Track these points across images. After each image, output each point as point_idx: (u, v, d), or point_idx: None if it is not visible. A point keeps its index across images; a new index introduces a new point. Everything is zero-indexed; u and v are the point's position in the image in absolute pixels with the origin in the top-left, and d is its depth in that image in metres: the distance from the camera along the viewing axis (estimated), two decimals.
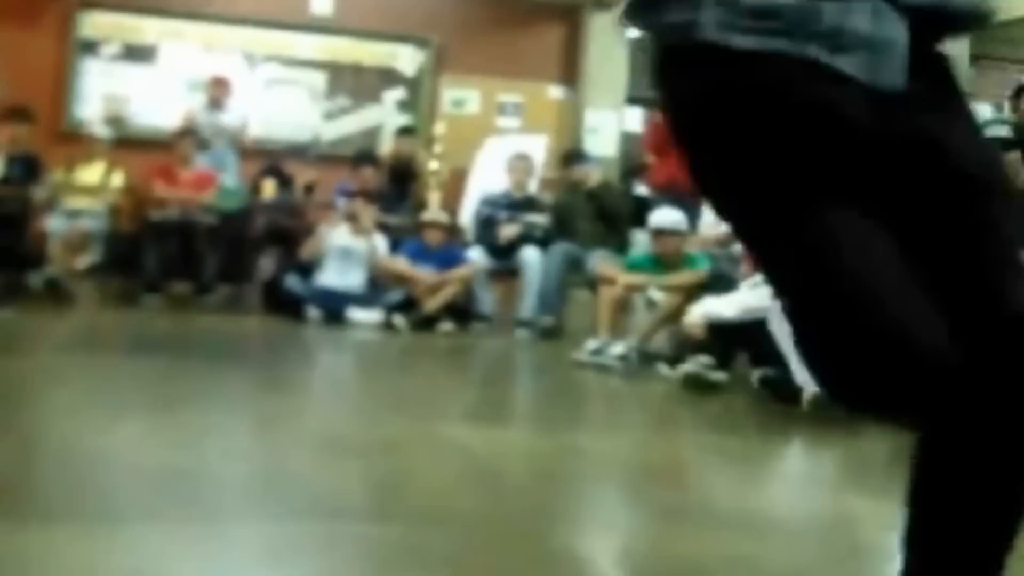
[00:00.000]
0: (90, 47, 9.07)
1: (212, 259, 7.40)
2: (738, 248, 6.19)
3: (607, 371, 5.54)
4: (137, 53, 9.14)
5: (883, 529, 2.92)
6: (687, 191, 6.76)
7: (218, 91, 8.28)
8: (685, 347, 5.34)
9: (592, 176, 7.55)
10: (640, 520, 2.83)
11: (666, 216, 6.09)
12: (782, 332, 4.65)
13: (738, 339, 5.00)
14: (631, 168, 9.48)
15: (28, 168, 7.34)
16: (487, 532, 2.51)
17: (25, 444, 3.09)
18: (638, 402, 5.11)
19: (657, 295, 6.06)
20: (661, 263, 6.03)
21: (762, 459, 3.97)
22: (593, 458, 3.61)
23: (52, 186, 7.44)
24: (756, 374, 4.86)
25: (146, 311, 6.94)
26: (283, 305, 7.01)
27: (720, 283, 5.57)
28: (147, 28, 9.15)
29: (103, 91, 9.05)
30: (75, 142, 8.06)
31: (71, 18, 8.98)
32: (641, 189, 8.79)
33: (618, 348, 5.68)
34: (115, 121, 8.63)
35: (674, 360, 5.36)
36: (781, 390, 4.62)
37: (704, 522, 2.71)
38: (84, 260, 7.31)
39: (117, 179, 7.64)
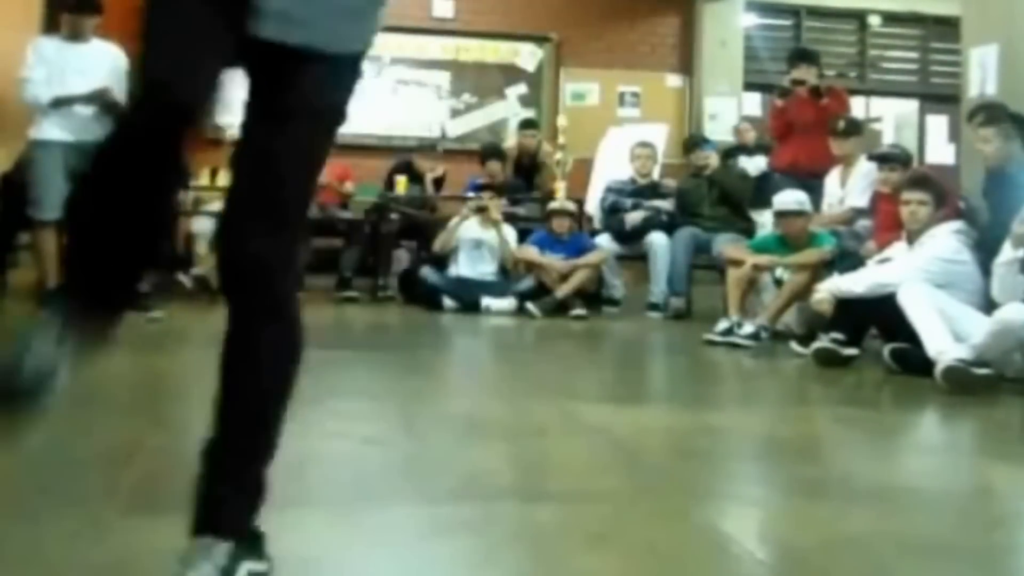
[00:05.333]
0: None
1: (350, 253, 7.67)
2: (862, 225, 6.22)
3: (738, 350, 5.61)
4: None
5: (1023, 497, 2.93)
6: (809, 172, 6.80)
7: None
8: (815, 325, 5.39)
9: (712, 161, 7.61)
10: (780, 495, 2.79)
11: (789, 197, 6.13)
12: (911, 306, 4.70)
13: (868, 314, 5.04)
14: (734, 148, 9.46)
15: None
16: (633, 510, 2.50)
17: (177, 437, 3.06)
18: (771, 379, 5.12)
19: (784, 274, 6.11)
20: (787, 243, 6.07)
21: (898, 431, 3.97)
22: (731, 435, 3.59)
23: (197, 190, 7.70)
24: (887, 348, 4.90)
25: None
26: (420, 296, 7.27)
27: (846, 260, 5.61)
28: None
29: (242, 97, 9.41)
30: (216, 147, 8.37)
31: None
32: (750, 167, 8.79)
33: (748, 327, 5.76)
34: None
35: (805, 338, 5.43)
36: (913, 363, 4.68)
37: (844, 496, 2.69)
38: None
39: None
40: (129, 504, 2.37)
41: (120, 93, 5.89)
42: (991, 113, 5.63)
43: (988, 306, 4.62)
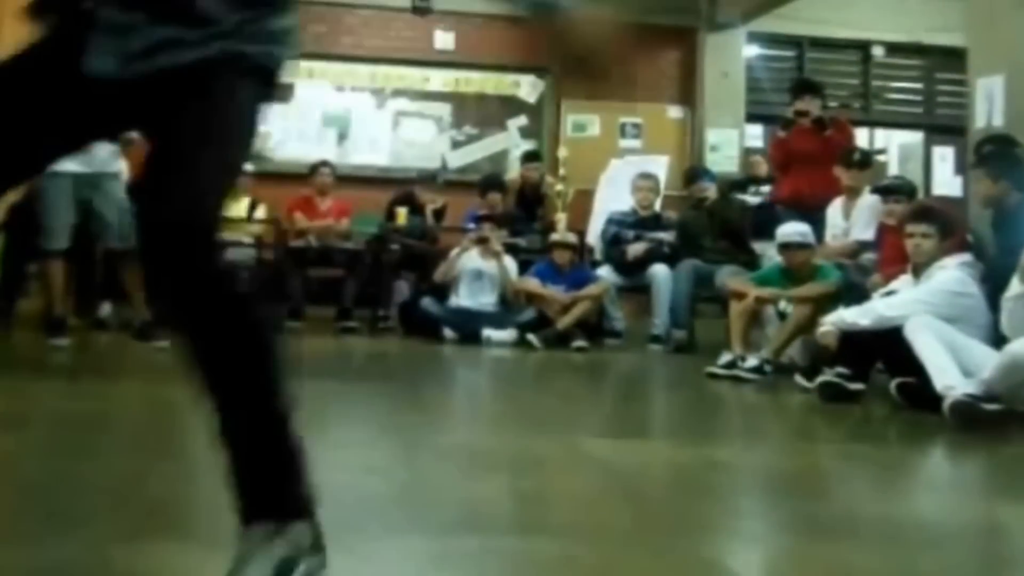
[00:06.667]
0: None
1: (351, 284, 7.67)
2: (868, 258, 6.17)
3: (742, 383, 5.55)
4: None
5: None
6: (811, 204, 6.77)
7: None
8: (820, 358, 5.32)
9: (711, 193, 7.59)
10: (785, 531, 2.74)
11: (793, 229, 6.08)
12: (918, 340, 4.63)
13: (874, 349, 4.97)
14: (739, 180, 9.48)
15: None
16: (634, 545, 2.45)
17: (183, 465, 3.15)
18: (776, 414, 5.06)
19: (788, 307, 6.05)
20: (790, 276, 6.02)
21: (905, 468, 3.90)
22: (734, 470, 3.54)
23: None
24: (893, 383, 4.82)
25: (290, 335, 7.14)
26: (420, 326, 7.26)
27: (852, 293, 5.55)
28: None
29: None
30: None
31: None
32: (754, 199, 8.79)
33: (751, 361, 5.70)
34: (256, 157, 9.04)
35: (809, 372, 5.35)
36: (920, 398, 4.60)
37: (850, 533, 2.65)
38: None
39: (260, 212, 8.03)
40: (135, 530, 2.37)
41: None
42: (981, 153, 5.65)
43: (997, 340, 4.56)
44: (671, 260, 7.38)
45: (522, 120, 10.04)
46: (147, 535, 2.34)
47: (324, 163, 8.19)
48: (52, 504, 2.56)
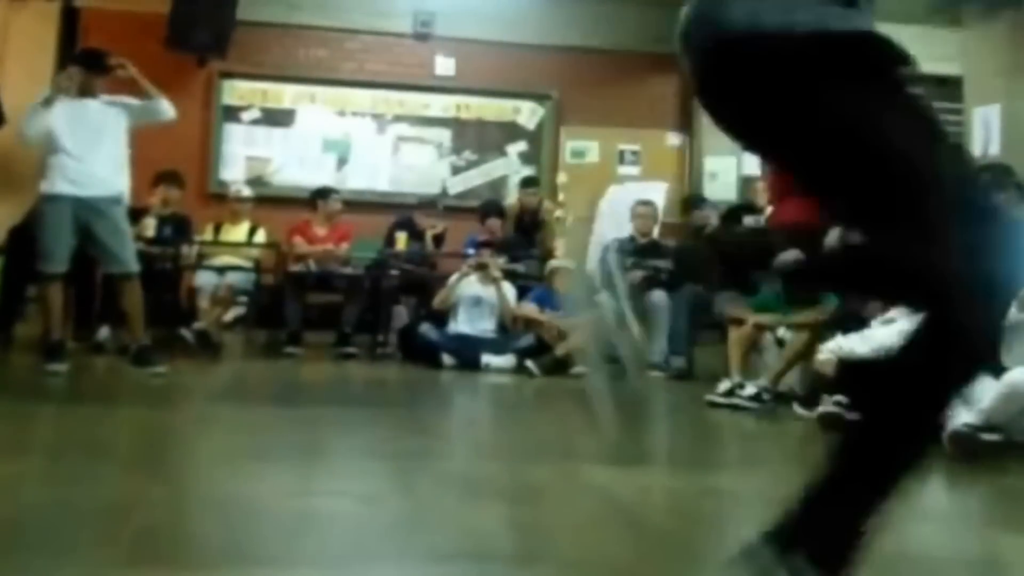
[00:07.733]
0: (232, 113, 9.49)
1: (350, 310, 7.67)
2: None
3: (741, 411, 5.54)
4: (275, 117, 9.55)
5: None
6: (810, 231, 6.76)
7: None
8: (819, 386, 5.32)
9: (712, 220, 7.60)
10: None
11: (790, 257, 6.08)
12: None
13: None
14: (737, 207, 9.47)
15: (178, 228, 7.77)
16: (634, 574, 2.46)
17: (176, 491, 3.15)
18: (775, 442, 5.05)
19: (787, 334, 6.05)
20: (789, 302, 6.01)
21: (904, 497, 3.87)
22: (735, 499, 3.52)
23: (200, 245, 7.90)
24: None
25: (289, 360, 7.22)
26: (419, 352, 7.25)
27: (851, 321, 5.55)
28: (284, 93, 9.56)
29: (245, 154, 9.46)
30: (221, 203, 8.48)
31: (214, 86, 9.42)
32: (749, 221, 8.77)
33: (750, 389, 5.69)
34: (257, 182, 9.05)
35: (808, 399, 5.35)
36: None
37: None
38: (231, 313, 7.70)
39: (260, 236, 8.04)
40: (129, 556, 2.36)
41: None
42: (997, 178, 5.60)
43: (996, 369, 4.54)
44: (670, 287, 7.38)
45: (522, 146, 10.04)
46: (142, 561, 2.33)
47: (333, 190, 8.23)
48: (46, 531, 2.55)
